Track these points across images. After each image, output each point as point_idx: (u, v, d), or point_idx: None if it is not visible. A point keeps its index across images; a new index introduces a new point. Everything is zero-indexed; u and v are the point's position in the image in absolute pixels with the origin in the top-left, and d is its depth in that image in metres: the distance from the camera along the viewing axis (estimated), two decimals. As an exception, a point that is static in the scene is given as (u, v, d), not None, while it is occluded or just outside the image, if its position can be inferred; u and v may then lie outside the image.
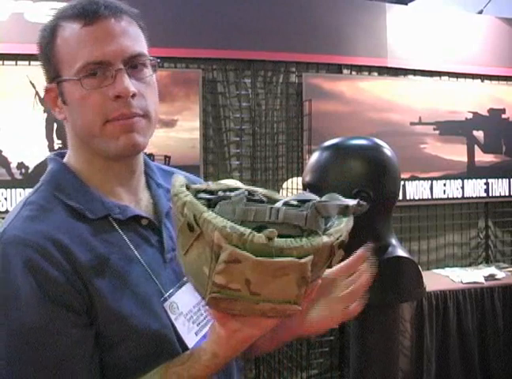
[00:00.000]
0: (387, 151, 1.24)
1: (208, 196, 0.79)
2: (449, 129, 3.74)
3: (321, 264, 0.74)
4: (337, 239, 0.73)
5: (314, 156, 1.28)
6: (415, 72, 3.70)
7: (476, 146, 3.82)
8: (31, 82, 2.90)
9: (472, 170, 3.81)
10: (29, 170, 2.90)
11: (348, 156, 1.22)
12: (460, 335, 3.20)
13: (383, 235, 1.22)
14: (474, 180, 3.81)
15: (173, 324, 0.90)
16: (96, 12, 0.86)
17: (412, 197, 3.64)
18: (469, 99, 3.78)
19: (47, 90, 0.93)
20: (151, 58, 0.91)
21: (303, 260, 0.68)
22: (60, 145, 2.95)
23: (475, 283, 3.28)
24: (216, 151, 3.30)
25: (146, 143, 0.91)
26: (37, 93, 2.91)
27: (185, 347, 0.90)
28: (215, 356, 0.80)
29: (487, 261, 3.89)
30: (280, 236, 0.69)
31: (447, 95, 3.72)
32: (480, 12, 3.94)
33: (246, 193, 0.78)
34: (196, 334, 0.93)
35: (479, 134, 3.83)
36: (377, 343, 1.19)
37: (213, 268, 0.69)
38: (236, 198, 0.74)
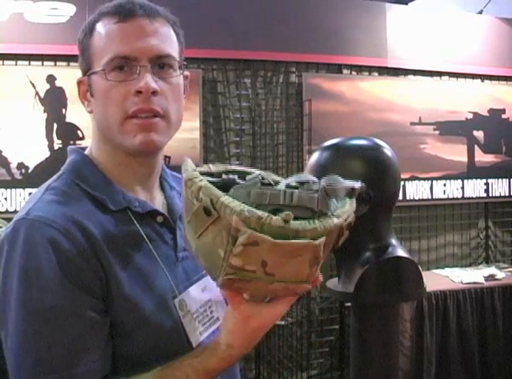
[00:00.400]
0: (387, 151, 1.24)
1: (211, 179, 0.81)
2: (449, 129, 3.73)
3: (330, 245, 0.77)
4: (345, 220, 0.77)
5: (314, 156, 1.28)
6: (415, 72, 3.70)
7: (476, 146, 3.82)
8: (31, 82, 2.90)
9: (472, 171, 3.81)
10: (29, 170, 2.90)
11: (348, 156, 1.22)
12: (460, 335, 3.20)
13: (383, 235, 1.22)
14: (474, 180, 3.81)
15: (181, 322, 0.91)
16: (131, 10, 0.89)
17: (412, 197, 3.64)
18: (469, 99, 3.78)
19: (78, 83, 0.95)
20: (178, 60, 0.93)
21: (317, 242, 0.72)
22: (60, 145, 2.95)
23: (475, 283, 3.28)
24: (216, 151, 3.30)
25: (163, 143, 0.93)
26: (37, 93, 2.92)
27: (190, 345, 0.91)
28: (230, 347, 0.82)
29: (487, 261, 3.89)
30: (294, 218, 0.72)
31: (447, 95, 3.72)
32: (480, 12, 3.94)
33: (260, 177, 0.80)
34: (200, 334, 0.94)
35: (479, 134, 3.83)
36: (377, 343, 1.19)
37: (229, 251, 0.72)
38: (251, 182, 0.77)
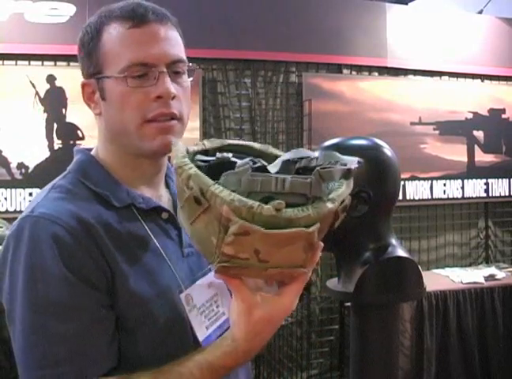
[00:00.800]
0: (387, 151, 1.24)
1: (205, 157, 0.80)
2: (449, 129, 3.73)
3: (326, 229, 0.76)
4: (341, 204, 0.74)
5: (314, 156, 1.28)
6: (415, 72, 3.70)
7: (476, 146, 3.82)
8: (31, 82, 2.90)
9: (472, 170, 3.81)
10: (29, 170, 2.90)
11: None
12: (460, 335, 3.20)
13: (383, 235, 1.22)
14: (474, 180, 3.81)
15: (187, 316, 0.92)
16: (144, 15, 0.90)
17: (412, 197, 3.64)
18: (469, 99, 3.78)
19: (83, 85, 0.96)
20: (190, 64, 0.96)
21: (310, 229, 0.70)
22: (60, 145, 2.95)
23: (475, 283, 3.28)
24: (216, 151, 3.30)
25: None
26: (37, 93, 2.91)
27: (195, 340, 0.92)
28: (233, 340, 0.81)
29: (487, 261, 3.89)
30: (286, 205, 0.70)
31: (447, 95, 3.72)
32: (480, 12, 3.94)
33: (251, 163, 0.78)
34: (207, 328, 0.95)
35: (479, 134, 3.83)
36: (377, 342, 1.19)
37: (222, 239, 0.71)
38: (241, 169, 0.74)
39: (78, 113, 2.85)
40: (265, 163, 0.80)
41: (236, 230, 0.69)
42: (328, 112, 3.41)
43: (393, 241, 1.23)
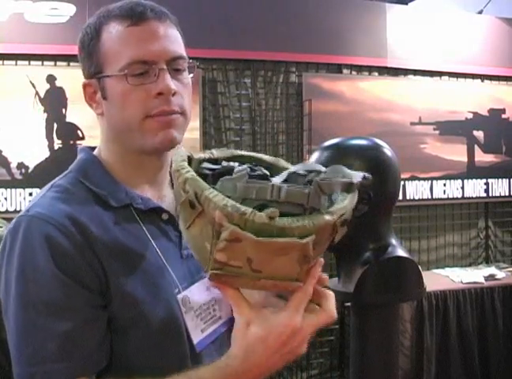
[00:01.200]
0: (387, 151, 1.24)
1: (211, 166, 0.79)
2: (449, 129, 3.73)
3: (323, 242, 0.73)
4: (339, 217, 0.72)
5: (315, 156, 1.28)
6: (415, 72, 3.70)
7: (476, 146, 3.82)
8: (31, 82, 2.90)
9: (472, 170, 3.80)
10: (29, 170, 2.90)
11: (348, 156, 1.22)
12: (460, 335, 3.20)
13: (383, 235, 1.22)
14: (474, 180, 3.81)
15: (183, 317, 0.91)
16: (142, 13, 0.91)
17: (412, 197, 3.64)
18: (469, 99, 3.78)
19: (85, 85, 0.96)
20: (190, 61, 0.96)
21: (304, 241, 0.68)
22: (60, 145, 2.95)
23: (475, 283, 3.28)
24: (216, 151, 3.30)
25: (181, 139, 0.95)
26: (37, 93, 2.91)
27: (190, 342, 0.91)
28: (228, 356, 0.78)
29: (487, 261, 3.89)
30: (282, 214, 0.68)
31: (447, 95, 3.72)
32: (480, 12, 3.94)
33: (249, 169, 0.76)
34: (202, 331, 0.94)
35: (479, 134, 3.82)
36: (377, 342, 1.19)
37: (215, 245, 0.70)
38: (238, 174, 0.72)
39: (78, 113, 2.85)
40: (266, 172, 0.79)
41: (228, 237, 0.67)
42: (328, 112, 3.41)
43: (393, 241, 1.23)
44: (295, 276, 0.72)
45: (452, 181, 3.75)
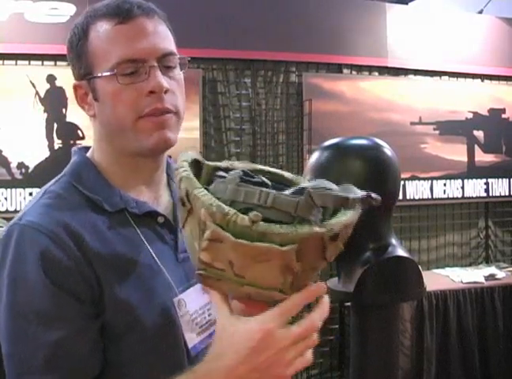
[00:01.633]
0: (387, 151, 1.24)
1: (224, 174, 0.78)
2: (449, 128, 3.73)
3: (312, 256, 0.71)
4: (329, 231, 0.69)
5: (315, 156, 1.28)
6: (415, 72, 3.70)
7: (476, 146, 3.82)
8: (31, 82, 2.90)
9: (472, 170, 3.81)
10: (29, 170, 2.90)
11: (349, 156, 1.22)
12: (460, 335, 3.20)
13: (383, 235, 1.22)
14: (474, 180, 3.81)
15: (179, 321, 0.90)
16: (129, 11, 0.88)
17: (412, 197, 3.64)
18: (469, 99, 3.78)
19: (75, 87, 0.94)
20: (181, 57, 0.93)
21: (284, 248, 0.66)
22: (60, 145, 2.95)
23: (475, 282, 3.28)
24: (216, 151, 3.30)
25: (176, 139, 0.93)
26: (37, 93, 2.91)
27: (185, 346, 0.90)
28: (203, 361, 0.74)
29: (488, 261, 3.89)
30: (270, 221, 0.68)
31: (447, 95, 3.72)
32: (480, 12, 3.94)
33: (241, 173, 0.75)
34: (197, 335, 0.93)
35: (479, 134, 3.82)
36: (377, 342, 1.19)
37: (200, 244, 0.70)
38: (230, 177, 0.73)
39: (78, 113, 2.78)
40: (267, 181, 0.78)
41: (210, 236, 0.67)
42: (328, 112, 3.41)
43: (393, 241, 1.23)
44: (279, 287, 0.70)
45: (452, 181, 3.75)
